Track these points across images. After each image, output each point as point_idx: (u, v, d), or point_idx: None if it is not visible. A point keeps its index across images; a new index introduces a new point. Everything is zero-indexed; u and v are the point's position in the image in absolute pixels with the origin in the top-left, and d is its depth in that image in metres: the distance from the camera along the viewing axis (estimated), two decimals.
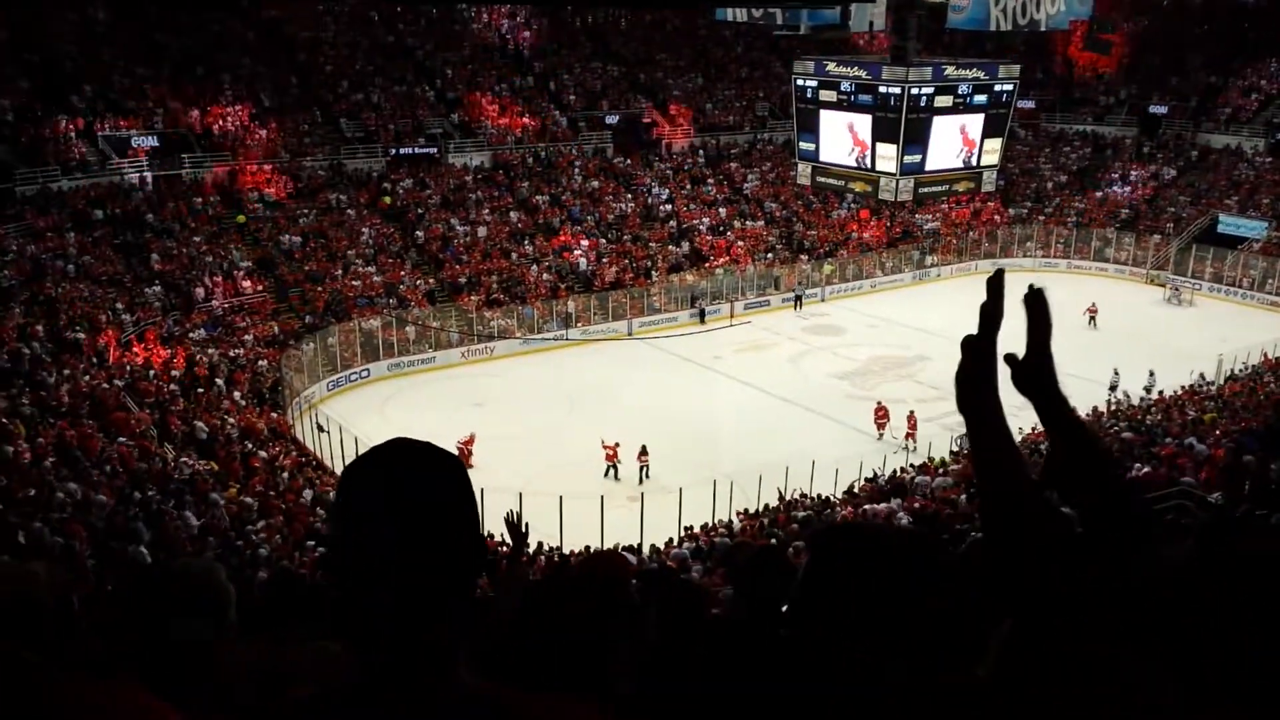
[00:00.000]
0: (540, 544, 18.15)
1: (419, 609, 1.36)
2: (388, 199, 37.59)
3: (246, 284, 32.13)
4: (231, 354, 27.96)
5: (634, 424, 26.46)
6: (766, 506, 20.19)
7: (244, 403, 25.09)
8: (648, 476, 24.07)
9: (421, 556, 1.35)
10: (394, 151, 39.27)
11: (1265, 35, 49.16)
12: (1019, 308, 1.67)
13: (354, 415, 27.01)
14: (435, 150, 40.08)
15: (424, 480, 1.41)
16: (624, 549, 17.19)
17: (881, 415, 26.20)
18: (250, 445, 21.73)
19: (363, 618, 1.37)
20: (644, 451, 24.28)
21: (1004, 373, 1.64)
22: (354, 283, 33.47)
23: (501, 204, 39.24)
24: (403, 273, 34.80)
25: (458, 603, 1.41)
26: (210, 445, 20.93)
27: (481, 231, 37.55)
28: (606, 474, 24.01)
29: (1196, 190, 45.09)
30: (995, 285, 1.65)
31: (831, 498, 20.26)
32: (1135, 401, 25.69)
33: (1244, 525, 9.42)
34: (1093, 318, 35.81)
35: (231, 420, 23.11)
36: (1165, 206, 44.93)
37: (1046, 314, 1.67)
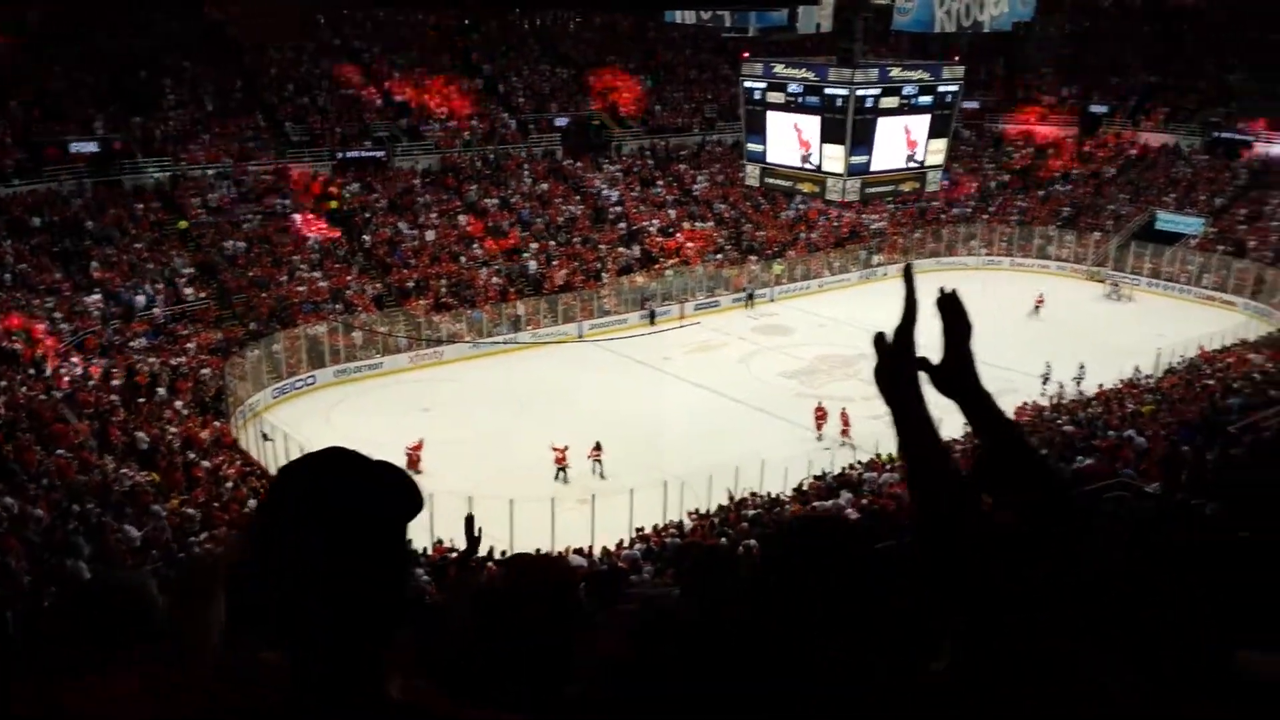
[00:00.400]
0: (491, 549, 18.06)
1: (350, 620, 1.34)
2: (333, 203, 37.17)
3: (189, 291, 31.59)
4: (173, 362, 27.48)
5: (585, 426, 26.41)
6: (718, 506, 20.26)
7: (186, 412, 24.69)
8: (603, 476, 24.14)
9: (352, 566, 1.34)
10: (340, 155, 38.86)
11: (1202, 36, 50.37)
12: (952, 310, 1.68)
13: (300, 423, 26.67)
14: (383, 153, 39.74)
15: (356, 490, 1.40)
16: (575, 551, 17.17)
17: (821, 415, 26.39)
18: (193, 455, 21.37)
19: (296, 627, 1.35)
20: (598, 447, 24.35)
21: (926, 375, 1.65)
22: (299, 288, 33.04)
23: (450, 207, 39.00)
24: (349, 277, 34.43)
25: (388, 615, 1.39)
26: (152, 456, 20.55)
27: (430, 235, 37.28)
28: (556, 477, 23.97)
29: (1136, 188, 46.05)
30: (907, 278, 1.66)
31: (781, 496, 20.37)
32: (1064, 393, 26.34)
33: (1180, 515, 9.63)
34: (1038, 307, 36.78)
35: (173, 430, 22.72)
36: (1105, 204, 45.82)
37: (961, 315, 1.68)
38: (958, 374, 1.67)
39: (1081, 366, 28.58)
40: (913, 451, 1.63)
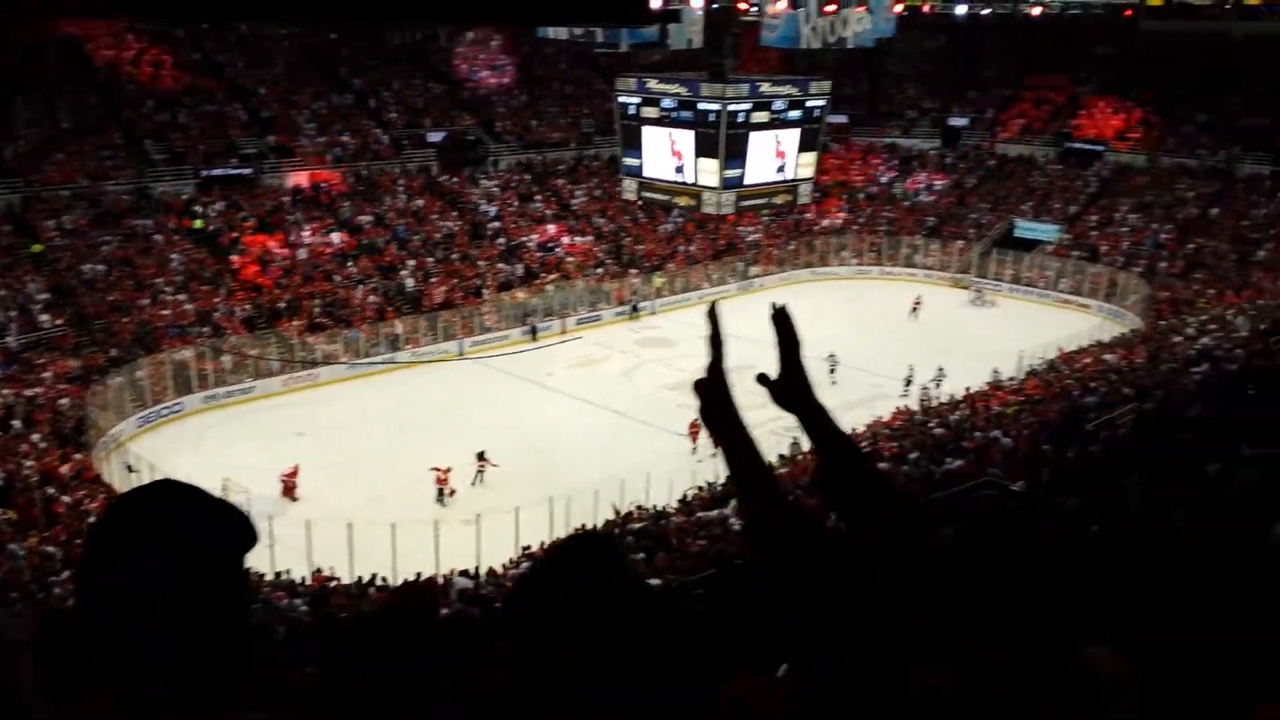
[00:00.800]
0: (374, 575, 17.67)
1: (188, 655, 1.30)
2: (198, 222, 35.90)
3: (45, 317, 30.04)
4: (29, 393, 26.08)
5: (467, 445, 26.09)
6: (605, 521, 20.27)
7: (44, 445, 23.45)
8: (482, 482, 24.26)
9: (188, 599, 1.30)
10: (204, 173, 37.55)
11: (1052, 50, 53.01)
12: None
13: (167, 453, 25.64)
14: (250, 171, 38.58)
15: (188, 522, 1.37)
16: (460, 573, 16.93)
17: (694, 429, 26.33)
18: (52, 491, 20.31)
19: (136, 657, 1.30)
20: (482, 456, 24.32)
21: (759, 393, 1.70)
22: (163, 312, 31.77)
23: (323, 225, 38.09)
24: (217, 300, 33.27)
25: (227, 650, 1.36)
26: (7, 492, 19.46)
27: (302, 254, 36.33)
28: (439, 499, 23.59)
29: (995, 197, 48.10)
30: (712, 317, 1.68)
31: (666, 508, 20.51)
32: (929, 395, 27.49)
33: (1044, 512, 10.06)
34: (916, 309, 39.05)
35: (30, 464, 21.56)
36: (967, 214, 47.71)
37: (793, 330, 1.73)
38: (792, 388, 1.71)
39: (940, 369, 29.78)
40: (746, 485, 1.65)
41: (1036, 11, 46.69)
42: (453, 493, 23.76)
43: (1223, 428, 13.19)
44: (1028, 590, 1.57)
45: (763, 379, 1.71)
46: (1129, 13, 47.74)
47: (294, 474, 23.28)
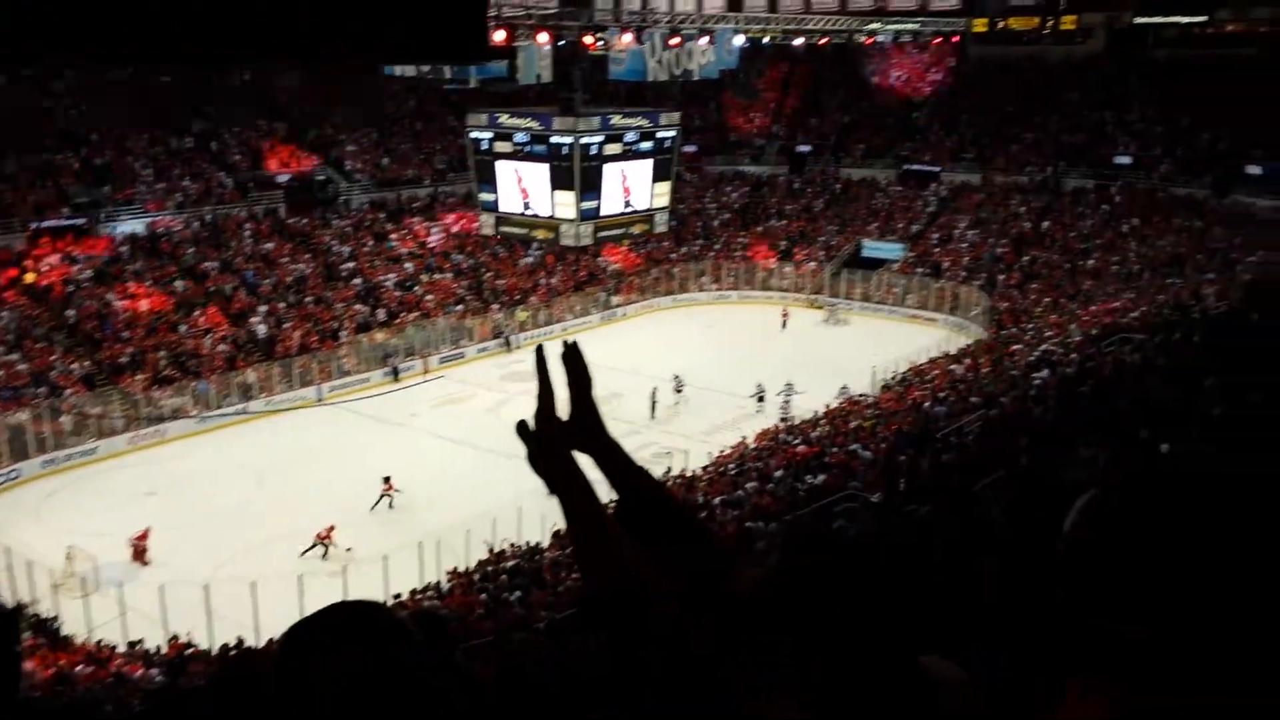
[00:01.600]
0: (239, 639, 16.91)
1: None
2: (29, 276, 33.95)
3: None
4: None
5: (330, 492, 25.40)
6: (477, 562, 19.97)
7: None
8: (390, 507, 24.49)
9: None
10: (35, 225, 35.54)
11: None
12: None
13: (4, 523, 24.01)
14: (84, 221, 36.71)
15: None
16: None
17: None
18: None
19: None
20: (388, 480, 24.46)
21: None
22: None
23: (165, 273, 36.52)
24: (53, 357, 31.46)
25: None
26: None
27: (144, 305, 34.73)
28: (319, 553, 22.37)
29: (842, 220, 49.84)
30: (540, 360, 1.66)
31: (540, 544, 20.34)
32: (788, 412, 28.39)
33: (901, 521, 10.41)
34: (784, 321, 41.56)
35: None
36: (817, 236, 49.28)
37: (583, 368, 1.69)
38: (585, 427, 1.69)
39: (789, 384, 30.83)
40: (579, 532, 1.63)
41: (869, 41, 48.80)
42: (346, 549, 22.34)
43: (1061, 430, 13.96)
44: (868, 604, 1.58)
45: (522, 427, 1.68)
46: (956, 39, 50.38)
47: (144, 537, 22.12)
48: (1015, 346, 29.55)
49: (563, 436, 1.68)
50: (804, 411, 28.59)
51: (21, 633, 1.41)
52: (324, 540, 22.45)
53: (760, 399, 31.15)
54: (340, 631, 1.44)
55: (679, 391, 31.39)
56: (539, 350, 1.66)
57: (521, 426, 1.66)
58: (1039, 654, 1.70)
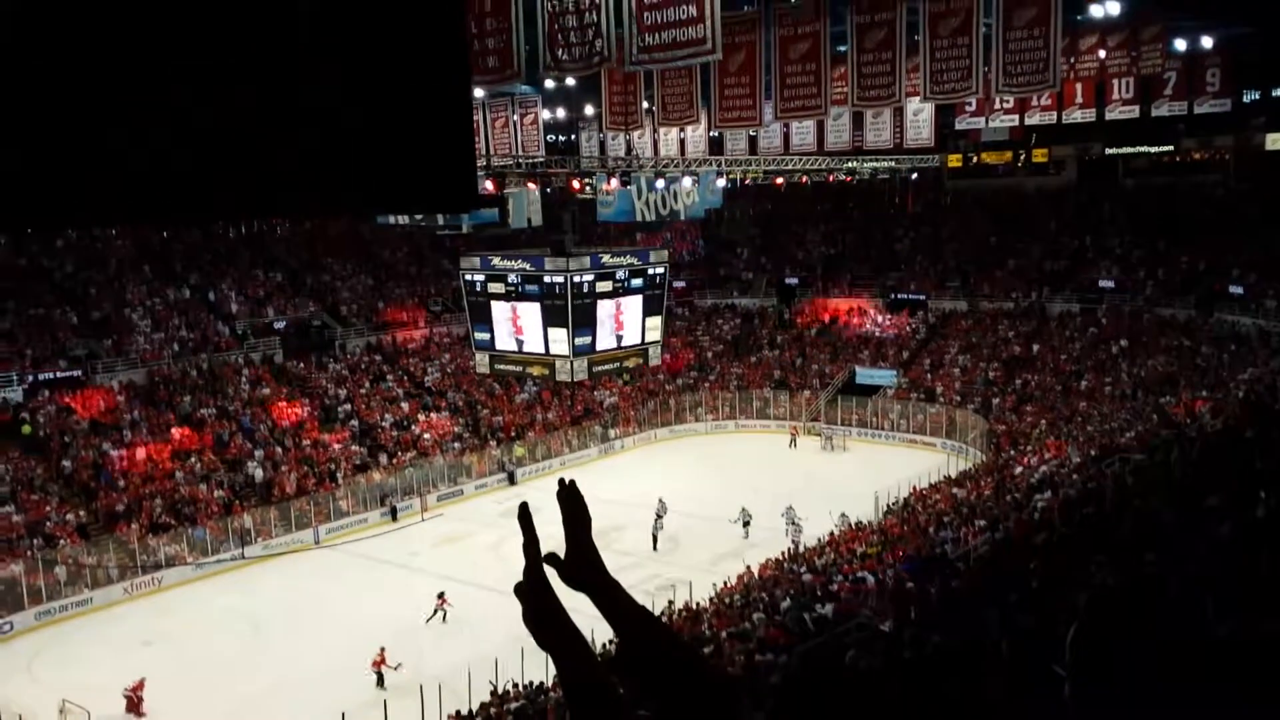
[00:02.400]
0: None
1: None
2: (25, 428, 34.00)
3: None
4: None
5: (331, 636, 24.92)
6: (480, 704, 19.47)
7: None
8: (444, 620, 25.73)
9: None
10: (32, 378, 35.80)
11: (867, 209, 57.09)
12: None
13: None
14: (80, 373, 36.99)
15: None
16: None
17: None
18: None
19: None
20: (442, 596, 25.36)
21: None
22: None
23: (161, 422, 36.59)
24: (48, 508, 31.24)
25: None
26: None
27: (140, 453, 34.68)
28: (379, 684, 22.25)
29: (833, 348, 50.43)
30: (523, 520, 1.66)
31: (544, 683, 19.87)
32: (794, 535, 28.84)
33: (912, 648, 10.26)
34: (794, 440, 42.89)
35: None
36: (809, 365, 49.78)
37: (580, 506, 1.71)
38: (582, 565, 1.68)
39: (790, 508, 30.94)
40: (572, 691, 1.62)
41: (850, 178, 50.38)
42: (397, 666, 22.47)
43: (1068, 552, 13.89)
44: None
45: (551, 558, 1.67)
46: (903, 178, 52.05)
47: (139, 688, 21.55)
48: (1016, 469, 29.57)
49: (563, 576, 1.68)
50: (808, 539, 28.38)
51: None
52: (379, 666, 22.49)
53: (746, 524, 31.60)
54: None
55: (746, 525, 31.84)
56: (523, 508, 1.66)
57: (519, 588, 1.65)
58: None
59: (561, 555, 1.72)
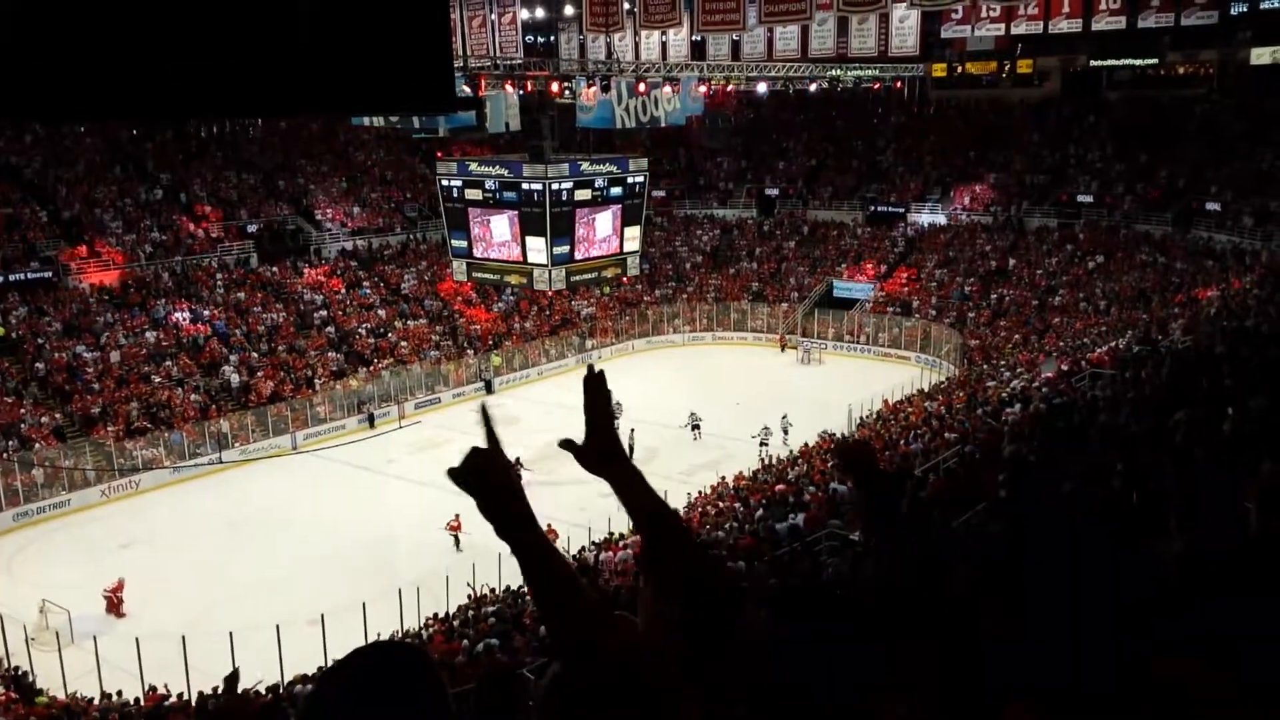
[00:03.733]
0: (215, 689, 16.66)
1: None
2: (0, 329, 33.65)
3: None
4: None
5: (308, 540, 25.22)
6: (458, 607, 19.83)
7: None
8: (459, 548, 24.58)
9: None
10: (2, 279, 35.29)
11: (850, 120, 56.42)
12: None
13: None
14: (52, 274, 36.47)
15: None
16: (302, 678, 16.18)
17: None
18: None
19: None
20: (456, 518, 24.73)
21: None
22: None
23: (136, 325, 36.29)
24: (23, 410, 31.12)
25: None
26: None
27: (115, 356, 34.47)
28: (457, 547, 24.31)
29: (812, 260, 50.38)
30: (484, 417, 1.61)
31: (521, 588, 20.25)
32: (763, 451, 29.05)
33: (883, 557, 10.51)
34: (783, 347, 44.06)
35: None
36: (787, 277, 49.76)
37: (604, 394, 1.71)
38: (602, 451, 1.69)
39: (766, 428, 31.29)
40: (539, 578, 1.62)
41: (834, 87, 49.64)
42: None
43: (1037, 464, 14.15)
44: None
45: (567, 444, 1.67)
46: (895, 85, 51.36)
47: (119, 589, 21.81)
48: (989, 383, 29.89)
49: (583, 461, 1.68)
50: (781, 450, 28.75)
51: None
52: (455, 530, 24.38)
53: (695, 426, 32.62)
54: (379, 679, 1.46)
55: (695, 429, 33.02)
56: (482, 406, 1.62)
57: (457, 473, 1.58)
58: (984, 678, 1.77)
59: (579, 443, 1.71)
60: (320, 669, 16.44)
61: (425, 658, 1.52)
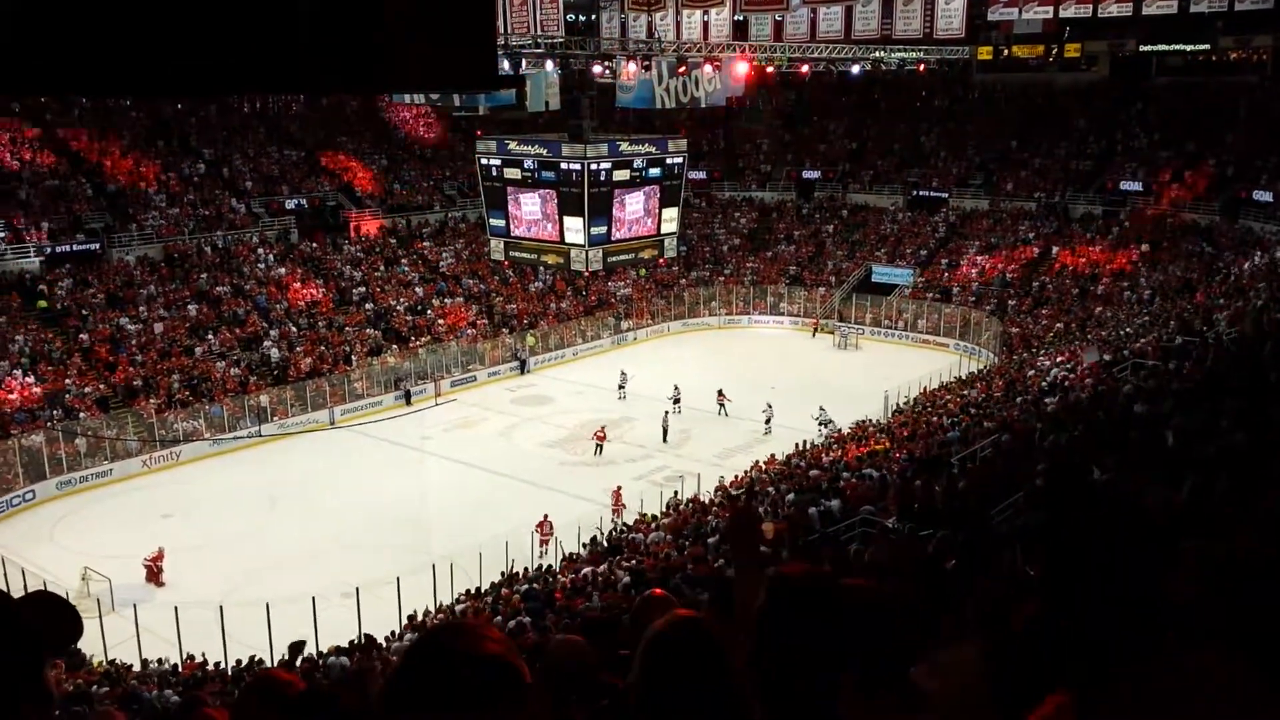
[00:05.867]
0: (253, 658, 16.95)
1: None
2: (43, 302, 34.20)
3: None
4: None
5: (344, 514, 25.51)
6: (490, 584, 19.99)
7: None
8: (599, 454, 29.85)
9: None
10: (49, 250, 35.86)
11: (893, 103, 55.77)
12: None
13: (20, 544, 24.14)
14: (97, 246, 37.00)
15: None
16: (337, 649, 16.37)
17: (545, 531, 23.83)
18: None
19: None
20: (602, 429, 29.45)
21: None
22: (10, 395, 30.04)
23: (178, 297, 36.77)
24: (68, 380, 31.67)
25: None
26: None
27: (158, 328, 34.97)
28: (598, 451, 29.51)
29: (851, 245, 49.97)
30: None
31: (553, 566, 20.38)
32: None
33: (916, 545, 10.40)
34: (815, 331, 43.71)
35: None
36: (826, 261, 49.42)
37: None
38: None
39: (770, 405, 31.60)
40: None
41: (877, 69, 49.09)
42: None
43: (1073, 454, 13.97)
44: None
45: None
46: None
47: (159, 558, 22.19)
48: (1028, 372, 29.54)
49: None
50: (817, 435, 28.59)
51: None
52: (600, 440, 29.17)
53: (768, 422, 31.49)
54: None
55: (676, 401, 33.36)
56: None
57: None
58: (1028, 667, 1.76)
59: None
60: (352, 642, 16.68)
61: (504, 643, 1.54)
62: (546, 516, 23.33)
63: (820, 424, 29.92)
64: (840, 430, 27.93)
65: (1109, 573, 1.69)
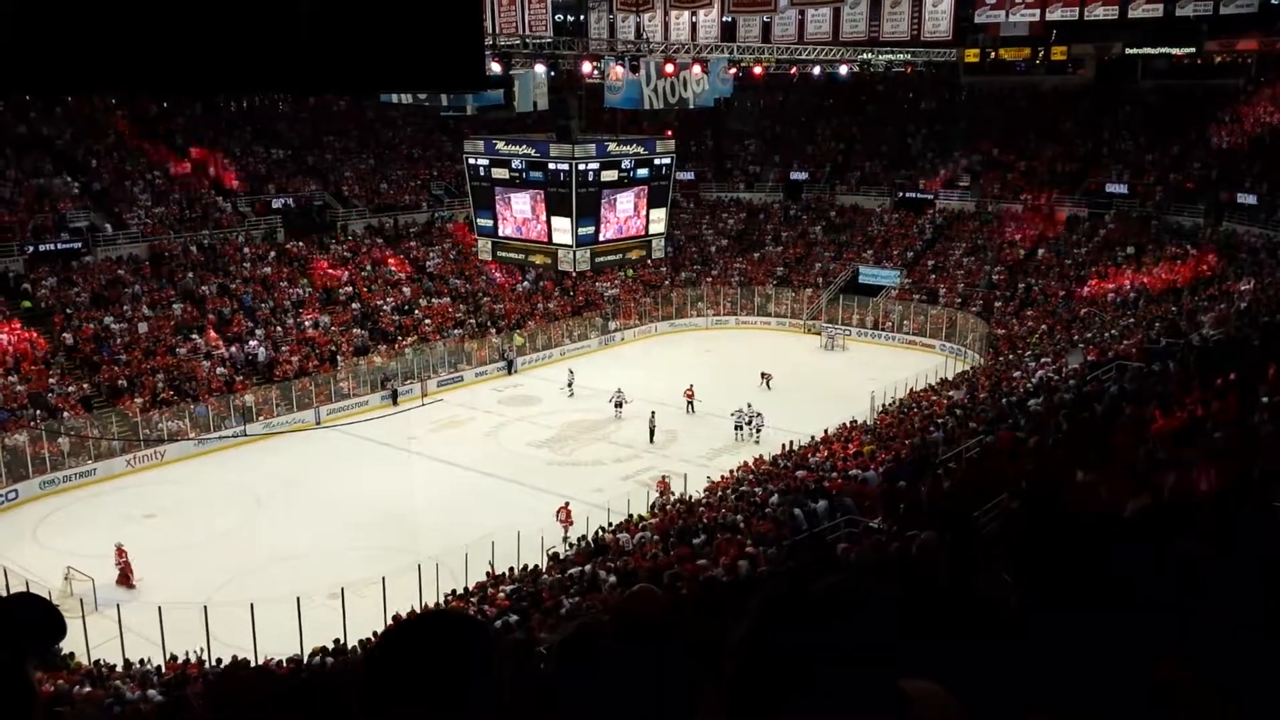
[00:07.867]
0: (235, 658, 16.86)
1: None
2: (27, 302, 33.98)
3: None
4: None
5: (330, 514, 25.43)
6: (476, 584, 19.95)
7: None
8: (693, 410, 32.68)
9: None
10: (32, 249, 35.62)
11: (880, 105, 55.95)
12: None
13: (2, 544, 24.01)
14: (81, 245, 36.77)
15: None
16: (320, 650, 16.31)
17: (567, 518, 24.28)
18: None
19: None
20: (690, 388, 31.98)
21: None
22: None
23: (163, 297, 36.58)
24: (51, 379, 31.46)
25: None
26: None
27: (142, 328, 34.78)
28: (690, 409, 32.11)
29: (838, 246, 50.07)
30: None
31: (539, 566, 20.34)
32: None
33: (902, 546, 10.41)
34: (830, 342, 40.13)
35: None
36: (813, 262, 49.50)
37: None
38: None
39: (759, 415, 31.62)
40: None
41: (864, 71, 49.26)
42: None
43: (1060, 456, 14.04)
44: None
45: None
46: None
47: (120, 554, 21.94)
48: (1014, 373, 29.66)
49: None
50: (802, 436, 28.59)
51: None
52: (690, 398, 32.32)
53: (738, 427, 31.67)
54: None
55: (618, 406, 33.43)
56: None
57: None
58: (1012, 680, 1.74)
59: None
60: (336, 641, 16.63)
61: (481, 627, 1.52)
62: (568, 503, 23.82)
63: (738, 425, 31.04)
64: (826, 431, 27.92)
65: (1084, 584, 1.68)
